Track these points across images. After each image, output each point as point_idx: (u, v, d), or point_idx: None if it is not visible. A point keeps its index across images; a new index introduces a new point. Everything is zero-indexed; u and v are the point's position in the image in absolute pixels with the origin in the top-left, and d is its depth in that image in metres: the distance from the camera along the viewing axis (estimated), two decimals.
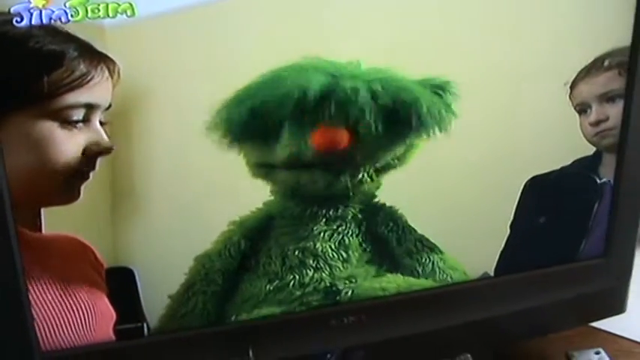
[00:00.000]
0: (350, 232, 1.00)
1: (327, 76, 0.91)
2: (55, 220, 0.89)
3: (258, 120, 0.91)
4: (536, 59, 1.02)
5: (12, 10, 0.78)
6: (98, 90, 0.84)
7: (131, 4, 0.82)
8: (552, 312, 1.12)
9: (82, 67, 0.83)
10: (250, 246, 0.98)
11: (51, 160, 0.83)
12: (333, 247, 0.99)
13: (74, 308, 0.91)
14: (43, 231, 0.89)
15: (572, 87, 1.04)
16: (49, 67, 0.81)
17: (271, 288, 0.98)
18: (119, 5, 0.82)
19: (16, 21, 0.78)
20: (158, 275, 0.94)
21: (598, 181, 1.09)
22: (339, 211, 0.99)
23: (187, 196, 0.93)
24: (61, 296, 0.90)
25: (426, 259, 1.02)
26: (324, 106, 0.91)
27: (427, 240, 1.02)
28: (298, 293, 0.98)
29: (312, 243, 0.99)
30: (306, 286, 0.98)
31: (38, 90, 0.81)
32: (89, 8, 0.81)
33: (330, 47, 0.92)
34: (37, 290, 0.88)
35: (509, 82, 1.02)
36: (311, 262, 0.98)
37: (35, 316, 0.87)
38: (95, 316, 0.92)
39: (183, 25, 0.87)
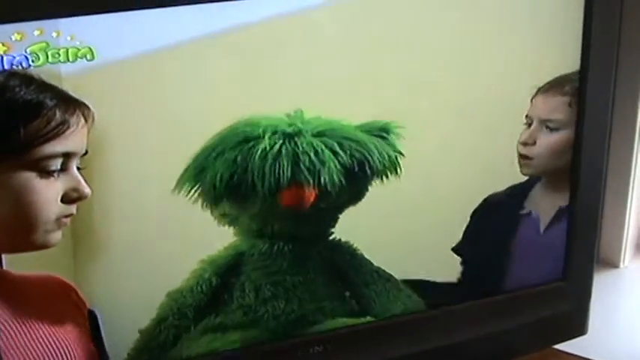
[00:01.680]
0: (314, 266, 1.03)
1: (281, 135, 0.96)
2: (16, 265, 0.89)
3: (226, 181, 0.96)
4: (479, 90, 1.05)
5: None
6: (74, 138, 0.83)
7: (90, 49, 0.84)
8: (517, 336, 1.14)
9: (59, 117, 0.82)
10: (221, 282, 1.00)
11: (30, 209, 0.82)
12: (301, 280, 1.02)
13: (54, 349, 0.90)
14: None
15: (535, 95, 1.07)
16: (26, 119, 0.80)
17: (247, 320, 1.00)
18: (79, 50, 0.84)
19: None
20: (120, 316, 0.95)
21: (521, 212, 1.12)
22: (304, 247, 1.03)
23: (145, 239, 0.95)
24: (42, 336, 0.89)
25: (382, 289, 1.05)
26: (287, 167, 0.97)
27: (383, 271, 1.05)
28: (273, 324, 1.01)
29: (282, 277, 1.01)
30: (279, 317, 1.01)
31: (15, 142, 0.80)
32: (49, 53, 0.83)
33: (271, 97, 0.95)
34: (15, 329, 0.87)
35: (451, 116, 1.04)
36: (282, 294, 1.01)
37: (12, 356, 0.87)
38: (76, 357, 0.92)
39: (141, 70, 0.89)
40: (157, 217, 0.95)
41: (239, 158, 0.95)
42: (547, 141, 1.09)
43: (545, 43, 1.05)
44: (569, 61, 1.06)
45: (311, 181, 0.98)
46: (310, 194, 0.98)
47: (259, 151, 0.95)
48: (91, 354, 0.91)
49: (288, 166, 0.96)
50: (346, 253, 1.04)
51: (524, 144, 1.09)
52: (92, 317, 0.90)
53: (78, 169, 0.86)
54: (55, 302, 0.91)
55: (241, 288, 1.01)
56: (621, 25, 1.07)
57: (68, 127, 0.82)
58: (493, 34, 1.03)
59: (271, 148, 0.96)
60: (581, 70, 1.06)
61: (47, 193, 0.82)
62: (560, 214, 1.12)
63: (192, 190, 0.96)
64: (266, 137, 0.96)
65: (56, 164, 0.82)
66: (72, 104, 0.82)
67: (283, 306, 1.01)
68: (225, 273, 1.01)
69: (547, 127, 1.09)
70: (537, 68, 1.06)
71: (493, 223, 1.11)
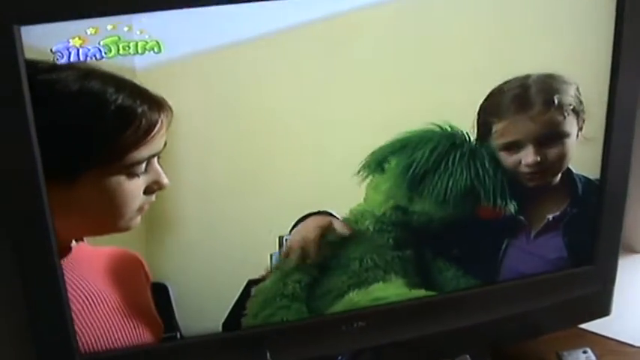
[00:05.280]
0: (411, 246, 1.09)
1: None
2: (96, 242, 0.96)
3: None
4: None
5: (53, 49, 0.84)
6: (158, 140, 0.89)
7: (158, 42, 0.88)
8: (544, 315, 1.17)
9: (146, 123, 0.87)
10: (337, 246, 1.06)
11: (118, 205, 0.89)
12: (399, 255, 1.08)
13: (128, 319, 0.97)
14: None
15: (501, 119, 1.04)
16: (119, 128, 0.86)
17: (351, 284, 1.07)
18: (147, 43, 0.88)
19: (57, 59, 0.84)
20: (189, 289, 1.01)
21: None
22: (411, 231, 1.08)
23: (213, 219, 1.00)
24: (117, 305, 0.97)
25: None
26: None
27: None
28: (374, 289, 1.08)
29: (384, 251, 1.07)
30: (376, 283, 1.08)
31: (108, 151, 0.86)
32: (120, 46, 0.87)
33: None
34: (94, 298, 0.95)
35: None
36: (383, 266, 1.07)
37: (80, 320, 0.94)
38: (145, 326, 0.99)
39: (208, 63, 0.92)
40: (224, 200, 0.99)
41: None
42: (557, 151, 1.08)
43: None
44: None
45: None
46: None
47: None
48: (157, 324, 0.98)
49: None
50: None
51: (534, 164, 1.06)
52: (163, 290, 0.97)
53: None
54: (128, 274, 0.98)
55: (348, 256, 1.07)
56: None
57: (154, 132, 0.88)
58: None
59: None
60: (613, 58, 1.05)
61: (133, 191, 0.89)
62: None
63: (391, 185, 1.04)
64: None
65: (142, 166, 0.89)
66: (156, 106, 0.88)
67: (383, 274, 1.07)
68: (342, 239, 1.06)
69: (551, 139, 1.06)
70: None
71: None
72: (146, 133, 0.88)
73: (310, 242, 1.03)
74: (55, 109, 0.85)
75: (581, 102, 1.07)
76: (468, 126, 1.04)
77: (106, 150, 0.87)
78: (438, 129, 1.02)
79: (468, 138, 1.04)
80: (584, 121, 1.09)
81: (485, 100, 1.03)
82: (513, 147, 1.06)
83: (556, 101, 1.04)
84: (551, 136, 1.07)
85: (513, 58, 1.04)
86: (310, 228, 1.02)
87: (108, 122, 0.86)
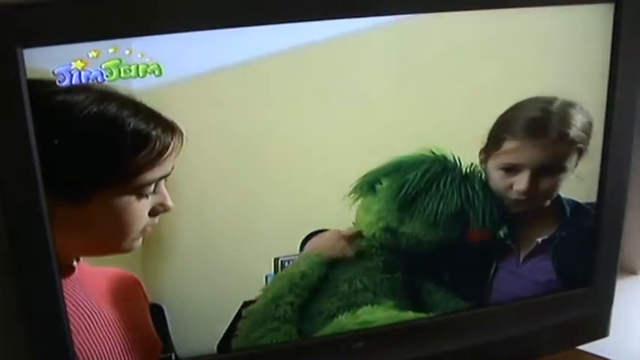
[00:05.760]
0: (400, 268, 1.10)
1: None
2: (93, 263, 0.97)
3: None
4: None
5: (55, 72, 0.85)
6: (170, 162, 0.91)
7: (159, 65, 0.89)
8: (541, 337, 1.17)
9: (161, 146, 0.89)
10: (326, 271, 1.07)
11: (124, 225, 0.91)
12: (388, 277, 1.09)
13: (126, 338, 0.98)
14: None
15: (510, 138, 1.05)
16: (135, 150, 0.88)
17: (340, 305, 1.07)
18: (148, 66, 0.89)
19: (59, 81, 0.85)
20: (184, 310, 1.01)
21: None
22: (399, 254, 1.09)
23: (209, 240, 1.01)
24: (116, 324, 0.98)
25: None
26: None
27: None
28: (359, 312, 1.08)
29: (374, 273, 1.08)
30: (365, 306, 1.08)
31: (122, 172, 0.88)
32: (122, 69, 0.88)
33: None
34: (93, 317, 0.95)
35: None
36: (372, 288, 1.08)
37: (80, 339, 0.94)
38: (143, 345, 1.00)
39: (207, 86, 0.93)
40: (219, 222, 1.00)
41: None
42: (549, 183, 1.08)
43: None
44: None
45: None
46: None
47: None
48: (155, 343, 0.99)
49: None
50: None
51: (524, 192, 1.07)
52: (159, 311, 0.98)
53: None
54: (128, 294, 0.99)
55: (337, 278, 1.08)
56: None
57: (167, 154, 0.90)
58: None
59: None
60: (609, 83, 1.07)
61: (140, 211, 0.91)
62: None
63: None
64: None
65: (152, 187, 0.90)
66: (169, 129, 0.89)
67: (372, 297, 1.08)
68: (331, 263, 1.07)
69: (549, 171, 1.07)
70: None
71: None
72: (159, 155, 0.89)
73: (337, 245, 1.05)
74: (73, 132, 0.87)
75: (588, 139, 1.08)
76: (460, 153, 1.05)
77: (120, 171, 0.88)
78: (430, 154, 1.03)
79: (459, 165, 1.05)
80: (581, 160, 1.10)
81: (505, 113, 1.04)
82: (512, 169, 1.07)
83: (571, 135, 1.06)
84: (550, 168, 1.07)
85: (505, 88, 1.05)
86: (329, 236, 1.04)
87: (124, 144, 0.87)
